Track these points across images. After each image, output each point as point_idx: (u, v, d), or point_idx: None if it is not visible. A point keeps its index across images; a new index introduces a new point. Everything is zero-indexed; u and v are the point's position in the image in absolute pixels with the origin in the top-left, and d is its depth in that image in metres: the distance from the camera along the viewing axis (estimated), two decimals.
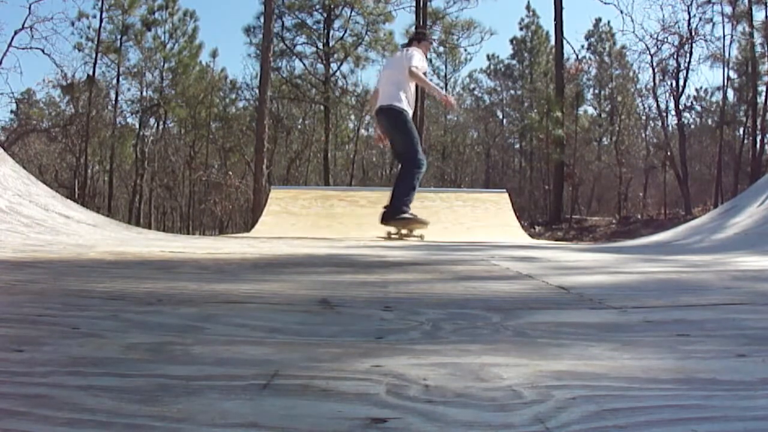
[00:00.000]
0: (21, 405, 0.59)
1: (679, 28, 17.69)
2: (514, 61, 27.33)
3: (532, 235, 9.21)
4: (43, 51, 22.89)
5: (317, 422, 0.56)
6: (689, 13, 17.37)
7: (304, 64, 22.31)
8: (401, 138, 5.36)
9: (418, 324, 1.04)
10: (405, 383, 0.68)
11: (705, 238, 4.58)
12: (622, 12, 36.13)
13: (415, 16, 19.05)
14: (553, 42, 20.32)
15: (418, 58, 5.40)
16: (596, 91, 24.88)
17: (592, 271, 2.31)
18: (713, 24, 18.30)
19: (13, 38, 19.31)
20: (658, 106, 19.85)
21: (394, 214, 5.13)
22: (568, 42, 23.04)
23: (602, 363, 0.79)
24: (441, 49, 24.93)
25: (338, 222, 6.96)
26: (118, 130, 22.66)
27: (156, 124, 24.82)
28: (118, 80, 22.42)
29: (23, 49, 19.20)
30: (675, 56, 17.77)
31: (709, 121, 22.50)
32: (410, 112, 5.35)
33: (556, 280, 1.79)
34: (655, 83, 18.64)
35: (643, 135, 24.70)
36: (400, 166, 5.43)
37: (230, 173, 22.58)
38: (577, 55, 22.05)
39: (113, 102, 22.72)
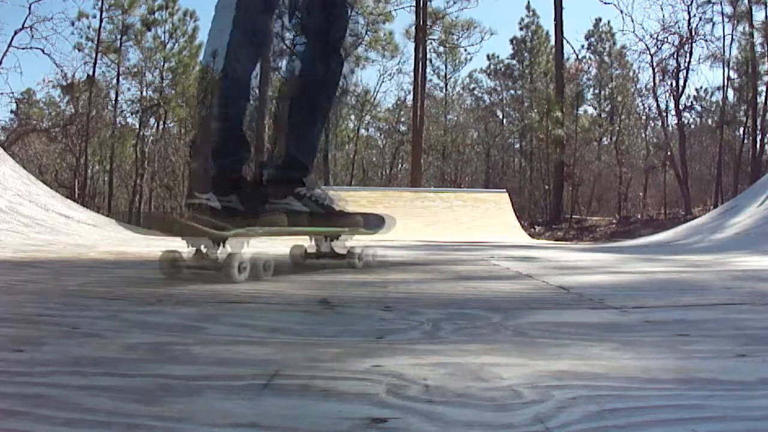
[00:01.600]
0: (21, 405, 0.59)
1: (679, 28, 17.71)
2: (514, 61, 27.31)
3: (532, 235, 9.21)
4: (43, 51, 22.90)
5: (317, 422, 0.56)
6: (689, 13, 17.39)
7: None
8: None
9: (418, 324, 1.04)
10: (405, 383, 0.68)
11: (705, 238, 4.58)
12: (622, 12, 36.14)
13: (415, 16, 19.08)
14: (553, 42, 20.32)
15: None
16: (596, 91, 24.87)
17: (592, 271, 2.31)
18: (713, 24, 18.26)
19: (13, 38, 19.32)
20: (658, 106, 19.87)
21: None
22: (568, 42, 23.02)
23: (602, 363, 0.79)
24: (441, 49, 24.93)
25: None
26: (118, 130, 22.66)
27: (156, 124, 24.83)
28: (118, 80, 22.43)
29: (23, 49, 19.22)
30: (675, 56, 17.78)
31: (709, 121, 22.49)
32: None
33: (556, 280, 1.79)
34: (655, 83, 18.66)
35: (643, 135, 24.69)
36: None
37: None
38: (577, 55, 22.08)
39: (113, 102, 22.74)
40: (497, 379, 0.71)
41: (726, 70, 18.57)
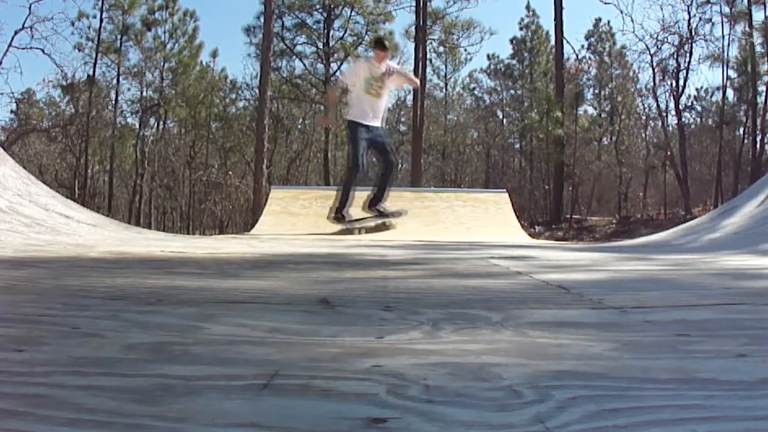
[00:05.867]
0: (21, 405, 0.59)
1: (679, 28, 17.66)
2: (514, 61, 27.27)
3: (532, 235, 9.21)
4: (43, 51, 22.74)
5: (317, 422, 0.56)
6: (689, 13, 17.35)
7: (304, 64, 22.29)
8: None
9: (418, 324, 1.04)
10: (405, 383, 0.68)
11: (704, 238, 4.58)
12: (622, 12, 35.98)
13: (415, 16, 19.03)
14: (553, 42, 20.30)
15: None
16: (596, 91, 24.83)
17: (591, 270, 2.31)
18: (712, 24, 18.17)
19: (13, 38, 19.16)
20: (658, 106, 19.82)
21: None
22: (568, 42, 22.90)
23: (602, 363, 0.79)
24: (441, 49, 24.91)
25: None
26: (118, 130, 22.62)
27: (156, 124, 24.79)
28: (118, 80, 22.38)
29: (23, 49, 19.07)
30: (675, 56, 17.74)
31: (709, 121, 22.44)
32: (355, 120, 5.89)
33: (556, 280, 1.79)
34: (655, 83, 18.62)
35: (643, 135, 24.66)
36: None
37: (230, 173, 22.56)
38: (577, 55, 22.02)
39: (113, 102, 22.69)
40: (497, 379, 0.71)
41: (726, 70, 18.56)
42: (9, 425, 0.54)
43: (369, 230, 6.07)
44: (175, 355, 0.82)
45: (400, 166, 28.09)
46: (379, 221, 6.17)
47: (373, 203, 6.11)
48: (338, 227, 6.02)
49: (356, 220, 6.11)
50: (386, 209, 6.21)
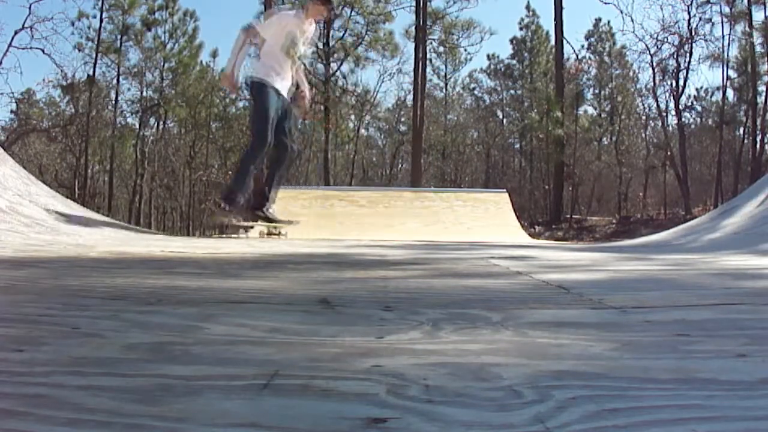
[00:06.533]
0: (21, 405, 0.59)
1: (679, 28, 17.66)
2: (514, 61, 27.27)
3: (532, 235, 9.21)
4: (43, 51, 22.72)
5: (317, 422, 0.56)
6: (689, 13, 17.35)
7: (304, 64, 22.29)
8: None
9: (418, 324, 1.04)
10: (405, 383, 0.68)
11: (704, 238, 4.58)
12: (622, 12, 35.93)
13: (415, 16, 19.03)
14: (553, 42, 20.31)
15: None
16: (596, 91, 24.83)
17: (591, 270, 2.31)
18: (712, 24, 18.17)
19: (13, 38, 19.14)
20: (658, 106, 19.82)
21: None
22: (568, 42, 22.87)
23: (602, 363, 0.79)
24: (441, 49, 24.91)
25: (338, 222, 6.95)
26: (118, 130, 22.63)
27: (156, 124, 24.80)
28: (118, 80, 22.38)
29: (23, 49, 19.07)
30: (675, 56, 17.75)
31: (709, 121, 22.44)
32: (266, 81, 4.53)
33: (556, 280, 1.79)
34: (655, 83, 18.61)
35: (643, 135, 24.67)
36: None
37: (230, 173, 22.56)
38: (577, 55, 22.02)
39: (113, 102, 22.69)
40: (497, 379, 0.71)
41: (726, 69, 18.57)
42: (9, 425, 0.54)
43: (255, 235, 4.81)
44: (175, 355, 0.82)
45: (399, 165, 28.11)
46: (264, 228, 4.81)
47: (258, 205, 4.61)
48: (219, 220, 4.67)
49: (243, 223, 4.71)
50: (274, 215, 4.72)
